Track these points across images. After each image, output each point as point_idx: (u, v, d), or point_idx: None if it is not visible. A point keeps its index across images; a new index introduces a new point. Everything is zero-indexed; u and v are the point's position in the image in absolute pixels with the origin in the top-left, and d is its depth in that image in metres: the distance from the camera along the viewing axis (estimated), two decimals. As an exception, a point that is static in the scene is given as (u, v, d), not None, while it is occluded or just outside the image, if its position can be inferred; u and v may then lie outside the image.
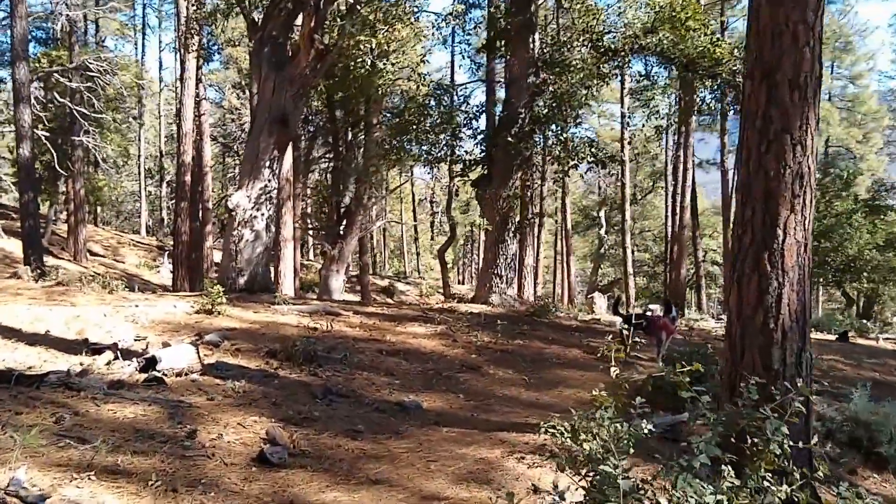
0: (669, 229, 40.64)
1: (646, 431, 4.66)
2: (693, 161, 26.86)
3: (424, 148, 13.59)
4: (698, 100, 14.25)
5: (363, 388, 7.36)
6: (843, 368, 11.12)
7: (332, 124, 22.98)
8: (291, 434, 5.57)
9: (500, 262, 13.13)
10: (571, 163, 12.97)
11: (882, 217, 33.84)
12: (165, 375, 6.68)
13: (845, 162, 40.37)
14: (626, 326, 10.06)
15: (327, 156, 25.58)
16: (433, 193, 72.74)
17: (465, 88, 14.95)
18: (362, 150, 22.58)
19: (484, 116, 14.20)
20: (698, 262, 37.20)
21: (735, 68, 12.53)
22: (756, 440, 4.16)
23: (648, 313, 11.24)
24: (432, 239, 70.90)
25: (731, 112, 14.31)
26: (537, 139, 12.75)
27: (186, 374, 6.90)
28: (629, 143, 28.81)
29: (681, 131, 26.06)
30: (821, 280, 34.88)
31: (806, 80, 5.42)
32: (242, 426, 5.60)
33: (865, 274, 32.83)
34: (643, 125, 14.64)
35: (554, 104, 12.44)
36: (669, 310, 10.53)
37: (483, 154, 13.25)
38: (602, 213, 50.11)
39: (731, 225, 5.83)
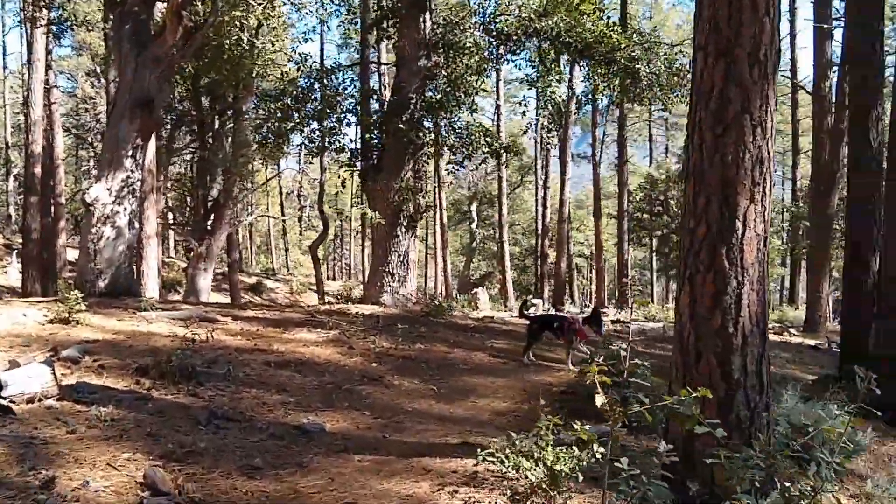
0: (539, 223, 40.94)
1: (598, 455, 4.02)
2: (570, 153, 26.80)
3: (305, 136, 12.49)
4: (594, 87, 13.80)
5: (254, 409, 6.32)
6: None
7: (197, 111, 21.40)
8: (175, 475, 4.51)
9: (393, 259, 12.24)
10: (466, 152, 12.22)
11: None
12: (13, 403, 5.41)
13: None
14: (534, 327, 9.43)
15: (192, 145, 23.92)
16: (301, 187, 70.93)
17: (353, 71, 13.88)
18: (231, 139, 21.13)
19: (368, 103, 13.30)
20: (570, 255, 37.55)
21: (634, 54, 12.18)
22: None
23: (563, 314, 10.61)
24: (301, 234, 69.10)
25: (631, 100, 13.87)
26: (430, 126, 11.93)
27: (41, 401, 5.63)
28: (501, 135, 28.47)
29: (561, 123, 25.94)
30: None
31: (766, 55, 4.83)
32: (113, 467, 4.50)
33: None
34: (539, 114, 14.11)
35: (448, 89, 11.66)
36: (597, 318, 9.54)
37: (373, 142, 12.31)
38: (473, 208, 50.13)
39: (684, 215, 5.17)
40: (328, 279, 57.16)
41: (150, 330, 8.83)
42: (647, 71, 12.39)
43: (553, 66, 12.83)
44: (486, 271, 52.38)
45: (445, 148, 11.97)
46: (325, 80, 12.29)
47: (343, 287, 48.33)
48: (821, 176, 22.52)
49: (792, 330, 18.46)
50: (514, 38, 12.14)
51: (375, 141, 12.21)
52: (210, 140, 21.45)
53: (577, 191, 55.03)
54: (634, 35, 12.51)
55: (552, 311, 13.37)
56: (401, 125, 11.48)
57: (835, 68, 22.67)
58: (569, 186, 27.05)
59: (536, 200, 42.95)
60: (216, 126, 21.53)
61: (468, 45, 11.66)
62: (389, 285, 12.27)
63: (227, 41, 14.14)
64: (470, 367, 8.60)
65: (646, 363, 7.69)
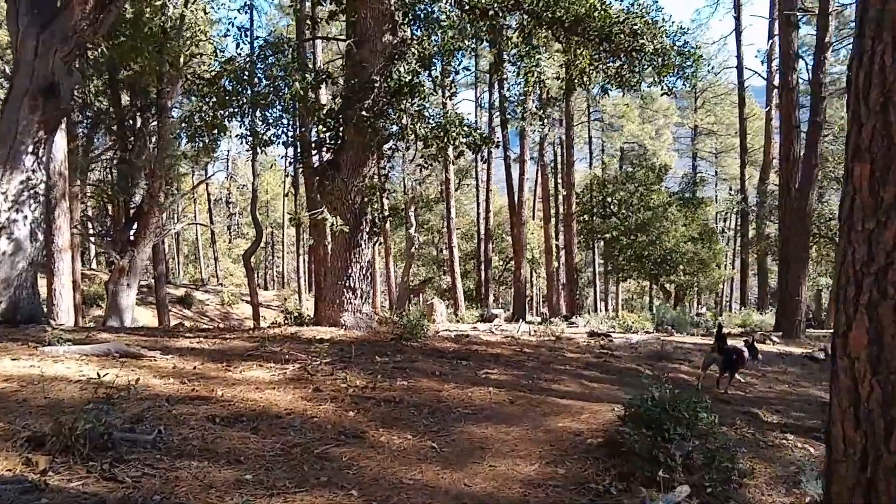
0: (482, 226, 39.42)
1: None
2: (527, 151, 25.23)
3: (247, 126, 10.42)
4: (580, 71, 12.10)
5: (197, 498, 4.41)
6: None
7: (116, 108, 19.09)
8: None
9: (354, 271, 10.29)
10: (440, 144, 10.32)
11: (694, 209, 34.22)
12: None
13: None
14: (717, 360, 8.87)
15: (112, 147, 21.52)
16: (230, 193, 68.27)
17: (306, 48, 11.86)
18: (155, 138, 18.87)
19: (319, 89, 11.34)
20: (550, 266, 36.02)
21: (636, 27, 10.53)
22: None
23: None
24: (230, 242, 66.30)
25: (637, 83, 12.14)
26: (399, 115, 10.02)
27: None
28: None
29: (543, 113, 24.35)
30: (639, 274, 34.79)
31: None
32: None
33: (682, 266, 32.91)
34: (520, 96, 12.42)
35: (420, 68, 9.78)
36: (754, 348, 9.29)
37: (328, 133, 10.34)
38: (412, 211, 48.39)
39: (847, 214, 3.47)
40: (261, 288, 54.74)
41: (55, 373, 6.76)
42: (653, 48, 10.80)
43: (542, 42, 11.16)
44: (426, 277, 50.78)
45: (417, 140, 10.13)
46: (270, 59, 10.28)
47: (277, 296, 46.01)
48: (791, 172, 21.40)
49: (774, 337, 17.14)
50: (492, 12, 10.41)
51: (332, 133, 10.28)
52: (132, 140, 19.18)
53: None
54: (634, 5, 10.87)
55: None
56: (363, 113, 9.60)
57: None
58: (527, 186, 25.44)
59: (478, 203, 41.45)
60: (138, 125, 19.26)
61: (442, 17, 9.85)
62: (351, 303, 10.33)
63: (149, 13, 12.03)
64: (471, 411, 6.76)
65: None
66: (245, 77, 10.15)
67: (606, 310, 48.18)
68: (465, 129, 9.97)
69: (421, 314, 21.00)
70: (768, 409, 7.84)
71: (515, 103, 18.09)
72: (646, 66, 11.41)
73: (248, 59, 10.65)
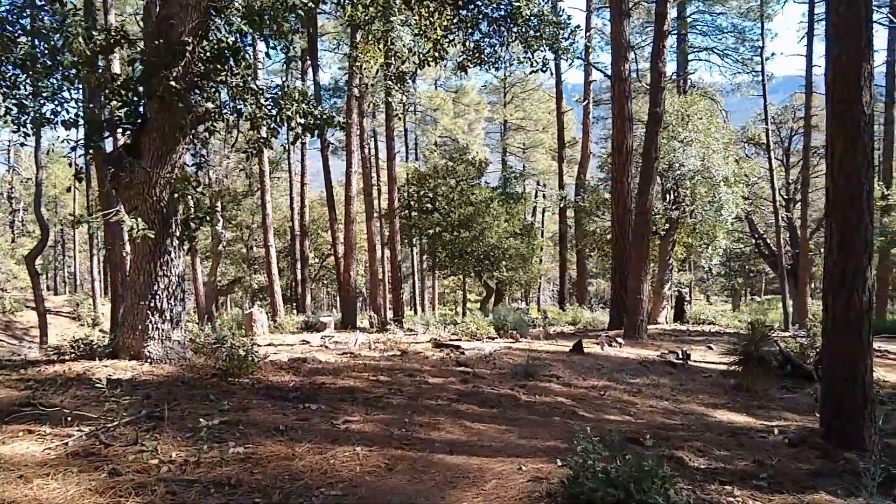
0: (297, 222, 37.09)
1: None
2: (355, 140, 23.25)
3: (13, 101, 7.78)
4: (434, 44, 10.31)
5: None
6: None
7: None
8: None
9: (161, 287, 7.94)
10: (272, 124, 8.13)
11: (514, 204, 33.73)
12: None
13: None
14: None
15: None
16: (12, 188, 61.37)
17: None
18: None
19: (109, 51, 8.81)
20: (338, 256, 33.94)
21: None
22: None
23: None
24: (13, 242, 59.65)
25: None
26: (217, 88, 7.79)
27: None
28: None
29: (350, 106, 22.18)
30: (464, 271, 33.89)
31: None
32: None
33: (504, 262, 32.26)
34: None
35: (247, 27, 7.53)
36: None
37: (125, 110, 7.90)
38: (218, 206, 45.08)
39: None
40: (49, 292, 49.43)
41: None
42: (529, 12, 9.22)
43: (401, 4, 9.30)
44: (235, 276, 47.69)
45: (241, 119, 7.96)
46: (43, 9, 7.72)
47: (69, 301, 41.22)
48: (625, 165, 20.92)
49: (619, 339, 16.33)
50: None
51: (130, 110, 7.87)
52: None
53: (321, 189, 51.60)
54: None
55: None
56: (171, 84, 7.33)
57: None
58: (356, 179, 23.48)
59: (291, 197, 39.02)
60: None
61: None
62: (157, 328, 7.96)
63: None
64: (340, 491, 4.81)
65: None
66: (7, 33, 7.60)
67: (424, 308, 47.20)
68: (305, 106, 7.92)
69: (238, 325, 18.67)
70: (690, 449, 6.49)
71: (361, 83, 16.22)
72: (514, 38, 9.90)
73: (10, 6, 8.02)
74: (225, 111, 8.09)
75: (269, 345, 13.50)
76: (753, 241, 40.26)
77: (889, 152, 33.88)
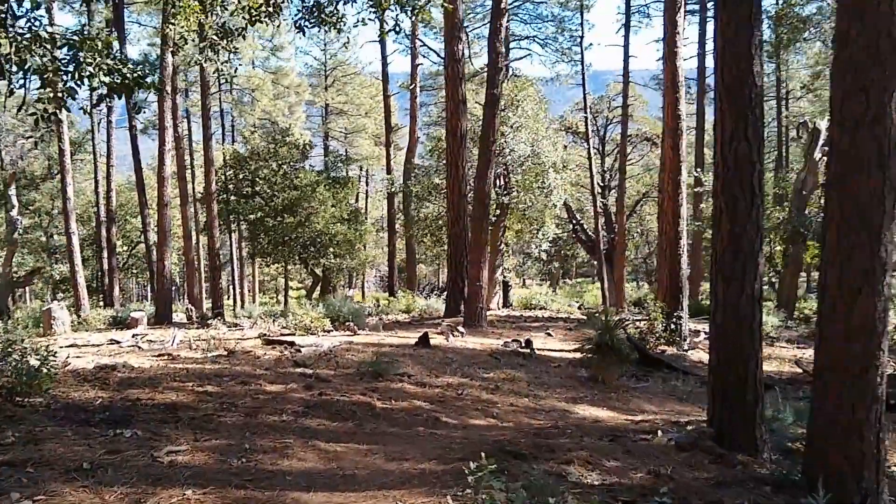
0: (103, 207, 34.07)
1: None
2: (168, 118, 21.03)
3: None
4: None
5: None
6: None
7: None
8: None
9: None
10: (66, 82, 6.41)
11: (342, 188, 32.52)
12: None
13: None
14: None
15: None
16: None
17: None
18: None
19: None
20: (149, 243, 31.32)
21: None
22: None
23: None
24: None
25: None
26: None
27: None
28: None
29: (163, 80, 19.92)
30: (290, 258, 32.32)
31: None
32: None
33: (332, 249, 30.98)
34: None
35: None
36: None
37: None
38: (13, 191, 40.76)
39: None
40: None
41: None
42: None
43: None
44: (34, 266, 43.39)
45: (27, 74, 6.24)
46: None
47: None
48: (459, 149, 20.27)
49: (460, 328, 15.63)
50: None
51: None
52: None
53: (130, 172, 48.07)
54: None
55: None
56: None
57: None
58: (170, 159, 21.28)
59: (96, 181, 35.72)
60: None
61: None
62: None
63: None
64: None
65: None
66: None
67: (243, 299, 44.98)
68: (110, 61, 6.38)
69: (36, 322, 16.35)
70: (578, 462, 5.69)
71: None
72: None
73: None
74: (7, 66, 6.42)
75: (72, 346, 11.62)
76: (571, 226, 41.12)
77: (701, 143, 35.50)
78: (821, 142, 27.29)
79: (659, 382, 11.89)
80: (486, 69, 27.29)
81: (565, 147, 26.17)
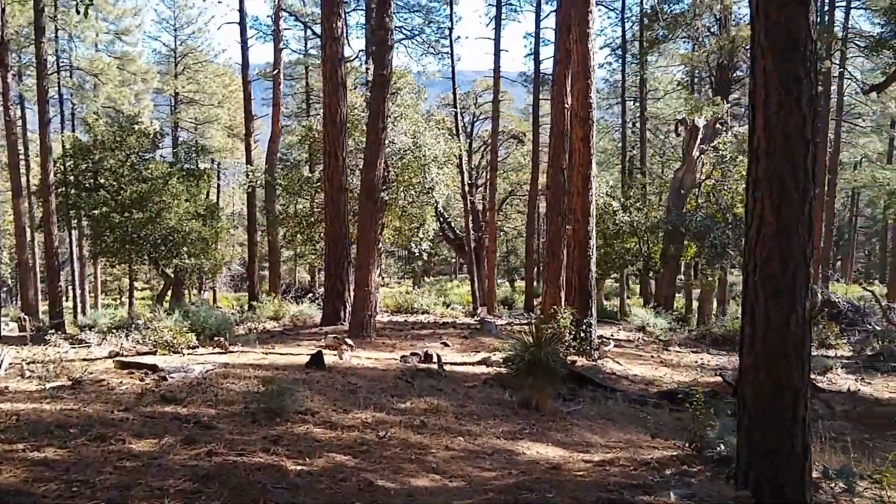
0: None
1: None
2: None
3: None
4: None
5: None
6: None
7: None
8: None
9: None
10: None
11: (196, 181, 29.62)
12: None
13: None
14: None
15: None
16: None
17: None
18: None
19: None
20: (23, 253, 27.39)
21: None
22: None
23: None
24: None
25: None
26: None
27: None
28: None
29: None
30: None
31: None
32: None
33: (186, 248, 28.07)
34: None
35: None
36: None
37: None
38: None
39: None
40: None
41: None
42: None
43: None
44: None
45: None
46: None
47: None
48: (337, 138, 18.30)
49: (349, 340, 13.69)
50: None
51: None
52: None
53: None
54: None
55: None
56: None
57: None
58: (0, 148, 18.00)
59: None
60: None
61: None
62: None
63: None
64: None
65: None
66: None
67: (84, 302, 40.96)
68: None
69: None
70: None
71: None
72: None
73: None
74: None
75: None
76: (438, 224, 39.79)
77: (537, 143, 34.94)
78: (699, 139, 27.10)
79: (589, 403, 10.43)
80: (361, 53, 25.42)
81: (446, 141, 24.53)
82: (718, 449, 6.71)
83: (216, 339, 12.93)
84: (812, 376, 14.36)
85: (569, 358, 13.65)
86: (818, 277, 37.76)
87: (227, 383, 8.69)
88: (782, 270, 4.76)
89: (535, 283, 36.40)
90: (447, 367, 11.78)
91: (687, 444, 7.21)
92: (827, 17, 35.53)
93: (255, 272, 32.20)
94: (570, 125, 16.02)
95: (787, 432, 4.81)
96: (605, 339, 16.21)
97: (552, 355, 9.52)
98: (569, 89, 20.15)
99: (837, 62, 38.05)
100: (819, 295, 28.22)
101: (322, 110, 19.37)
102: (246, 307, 25.54)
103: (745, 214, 5.04)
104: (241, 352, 12.02)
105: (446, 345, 15.15)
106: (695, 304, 33.66)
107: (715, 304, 31.33)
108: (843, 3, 37.95)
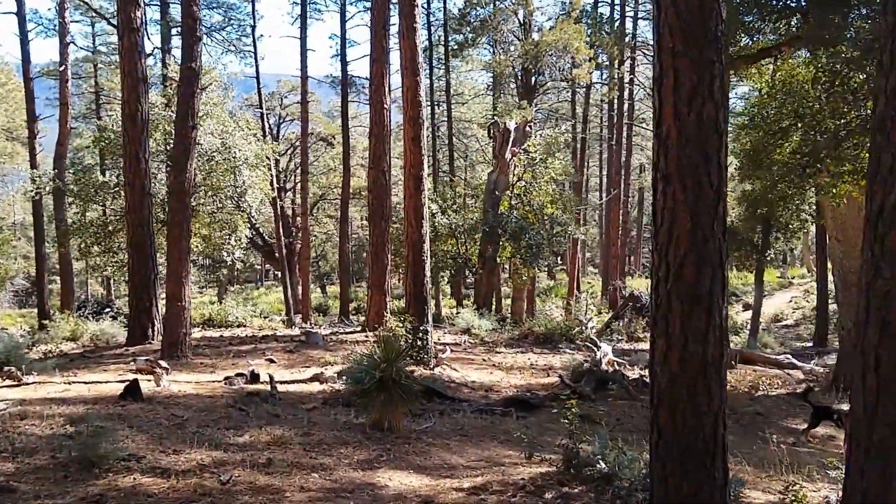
0: None
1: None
2: None
3: None
4: None
5: None
6: None
7: None
8: None
9: None
10: None
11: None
12: None
13: None
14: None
15: None
16: None
17: None
18: None
19: None
20: None
21: None
22: None
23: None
24: None
25: None
26: None
27: None
28: None
29: None
30: None
31: None
32: None
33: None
34: None
35: None
36: None
37: None
38: None
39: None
40: None
41: None
42: None
43: None
44: None
45: None
46: None
47: None
48: (140, 137, 16.67)
49: (163, 363, 12.26)
50: None
51: None
52: None
53: None
54: None
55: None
56: None
57: None
58: None
59: None
60: None
61: None
62: None
63: None
64: None
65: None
66: None
67: None
68: None
69: None
70: None
71: None
72: None
73: None
74: None
75: None
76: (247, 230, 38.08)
77: (348, 147, 34.38)
78: (510, 141, 27.36)
79: (439, 418, 9.81)
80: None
81: (260, 142, 23.19)
82: (599, 466, 6.27)
83: (6, 368, 11.08)
84: (643, 371, 14.63)
85: (408, 367, 13.00)
86: (619, 273, 39.74)
87: (25, 426, 7.26)
88: (698, 276, 4.29)
89: (349, 288, 35.48)
90: (280, 388, 10.75)
91: (561, 461, 6.71)
92: (618, 27, 37.23)
93: (44, 287, 29.05)
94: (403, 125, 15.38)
95: (709, 462, 4.35)
96: (441, 347, 15.71)
97: (405, 371, 8.75)
98: (386, 89, 19.57)
99: (628, 69, 40.14)
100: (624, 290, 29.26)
101: (121, 108, 17.50)
102: (36, 326, 22.83)
103: (653, 214, 4.54)
104: (39, 383, 10.36)
105: (272, 361, 14.03)
106: (505, 303, 34.29)
107: (525, 302, 31.80)
108: (632, 14, 40.04)
